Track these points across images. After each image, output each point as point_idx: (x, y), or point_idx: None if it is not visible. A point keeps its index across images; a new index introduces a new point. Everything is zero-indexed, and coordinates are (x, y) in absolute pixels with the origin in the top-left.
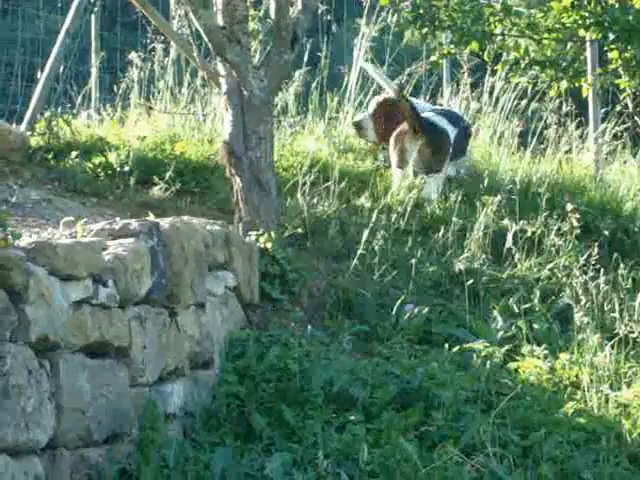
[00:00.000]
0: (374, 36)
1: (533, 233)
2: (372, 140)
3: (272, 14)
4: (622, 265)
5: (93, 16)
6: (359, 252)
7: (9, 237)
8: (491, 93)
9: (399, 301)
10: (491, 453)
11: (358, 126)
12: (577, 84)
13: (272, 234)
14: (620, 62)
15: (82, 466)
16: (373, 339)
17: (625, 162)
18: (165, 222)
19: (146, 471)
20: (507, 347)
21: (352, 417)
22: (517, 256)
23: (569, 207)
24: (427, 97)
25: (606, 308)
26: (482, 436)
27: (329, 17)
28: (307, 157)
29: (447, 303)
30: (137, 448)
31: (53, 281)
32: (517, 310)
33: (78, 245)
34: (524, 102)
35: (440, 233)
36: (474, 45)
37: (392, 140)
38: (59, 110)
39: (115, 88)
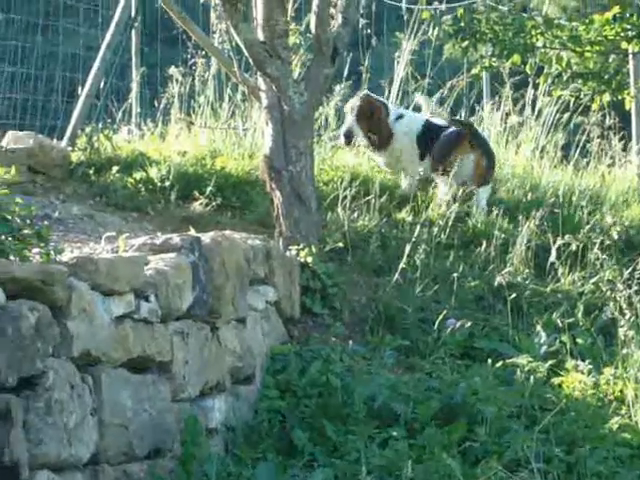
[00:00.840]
0: (414, 49)
1: (576, 247)
2: (364, 145)
3: (312, 28)
4: None
5: (133, 31)
6: (400, 266)
7: (51, 252)
8: (533, 106)
9: (441, 316)
10: (535, 469)
11: (348, 136)
12: (620, 97)
13: (313, 248)
14: None
15: None
16: (415, 354)
17: None
18: (206, 237)
19: None
20: (551, 362)
21: (394, 433)
22: (560, 270)
23: (610, 220)
24: (468, 111)
25: None
26: (526, 452)
27: (369, 31)
28: (347, 171)
29: (490, 318)
30: (179, 463)
31: (95, 296)
32: (560, 325)
33: (120, 260)
34: (566, 115)
35: (482, 247)
36: (516, 58)
37: (438, 154)
38: (100, 125)
39: (156, 103)
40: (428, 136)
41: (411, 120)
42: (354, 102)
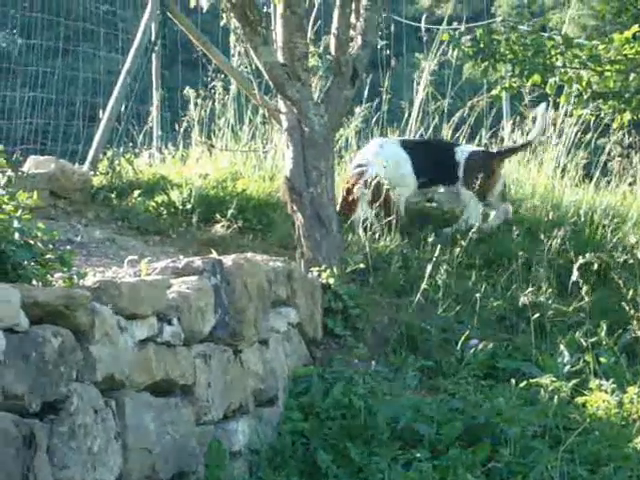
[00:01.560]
0: (434, 70)
1: (599, 266)
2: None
3: (332, 50)
4: None
5: (154, 55)
6: (422, 287)
7: (74, 277)
8: (554, 126)
9: (464, 336)
10: None
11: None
12: None
13: (334, 270)
14: None
15: None
16: (438, 375)
17: None
18: (228, 259)
19: None
20: (574, 381)
21: (418, 454)
22: (583, 289)
23: (633, 239)
24: (488, 130)
25: None
26: (550, 472)
27: (388, 52)
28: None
29: (512, 337)
30: None
31: (118, 320)
32: (584, 344)
33: (142, 284)
34: (588, 135)
35: (504, 267)
36: (536, 78)
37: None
38: (121, 149)
39: (176, 126)
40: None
41: None
42: None
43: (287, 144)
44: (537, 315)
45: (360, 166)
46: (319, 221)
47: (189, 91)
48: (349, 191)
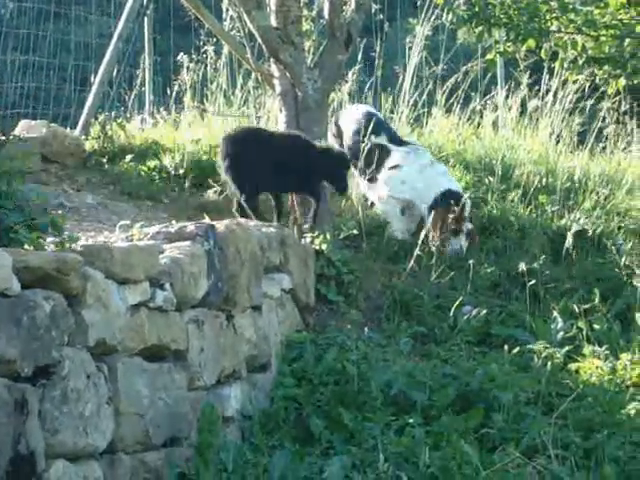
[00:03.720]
0: (428, 35)
1: (592, 232)
2: None
3: (326, 14)
4: None
5: (146, 19)
6: (415, 253)
7: (66, 241)
8: (548, 91)
9: (457, 302)
10: (552, 455)
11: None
12: (635, 81)
13: (327, 236)
14: None
15: (141, 470)
16: (431, 341)
17: None
18: (221, 225)
19: (205, 475)
20: (567, 348)
21: (411, 420)
22: (576, 256)
23: (627, 205)
24: (482, 96)
25: None
26: (543, 438)
27: (382, 17)
28: None
29: (506, 304)
30: (196, 452)
31: (110, 285)
32: (577, 310)
33: (135, 248)
34: (583, 101)
35: (498, 233)
36: (530, 43)
37: None
38: (113, 114)
39: (168, 91)
40: None
41: None
42: None
43: (280, 109)
44: (531, 282)
45: None
46: None
47: (183, 57)
48: None
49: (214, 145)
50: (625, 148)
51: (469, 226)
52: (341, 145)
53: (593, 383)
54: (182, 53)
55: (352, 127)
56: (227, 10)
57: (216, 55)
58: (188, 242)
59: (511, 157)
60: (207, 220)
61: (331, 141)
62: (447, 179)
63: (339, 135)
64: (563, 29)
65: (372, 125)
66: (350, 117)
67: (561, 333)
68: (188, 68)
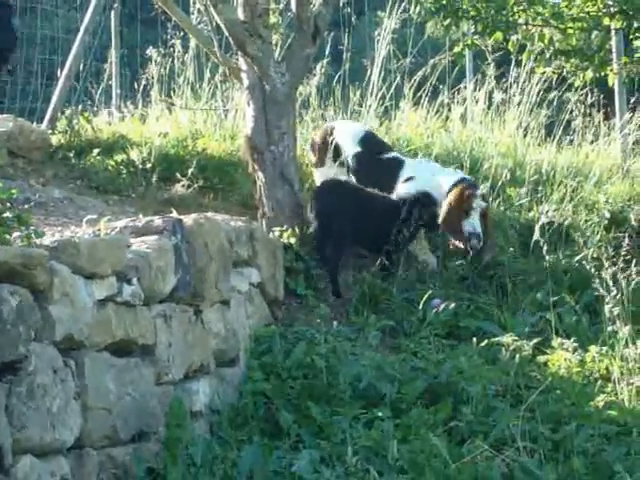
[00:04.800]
0: (396, 28)
1: (560, 224)
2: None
3: (293, 7)
4: None
5: (112, 13)
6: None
7: (32, 236)
8: (516, 83)
9: (426, 296)
10: (521, 447)
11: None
12: (603, 73)
13: (296, 230)
14: None
15: (109, 465)
16: (400, 334)
17: None
18: (189, 219)
19: (173, 470)
20: (536, 340)
21: (380, 413)
22: (545, 248)
23: (594, 198)
24: (450, 89)
25: (636, 299)
26: (512, 430)
27: (349, 10)
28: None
29: (474, 297)
30: (164, 447)
31: (77, 279)
32: (545, 303)
33: (101, 243)
34: (550, 93)
35: None
36: (498, 35)
37: None
38: (80, 108)
39: (136, 85)
40: None
41: None
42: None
43: (248, 102)
44: (499, 275)
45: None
46: (281, 180)
47: (152, 51)
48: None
49: (181, 139)
50: (593, 141)
51: (482, 204)
52: (337, 160)
53: (562, 375)
54: (151, 47)
55: (353, 144)
56: (194, 3)
57: (183, 49)
58: (155, 236)
59: (479, 150)
60: (175, 214)
61: (310, 154)
62: (460, 174)
63: (335, 151)
64: (531, 22)
65: (376, 143)
66: (350, 134)
67: (529, 326)
68: (156, 62)
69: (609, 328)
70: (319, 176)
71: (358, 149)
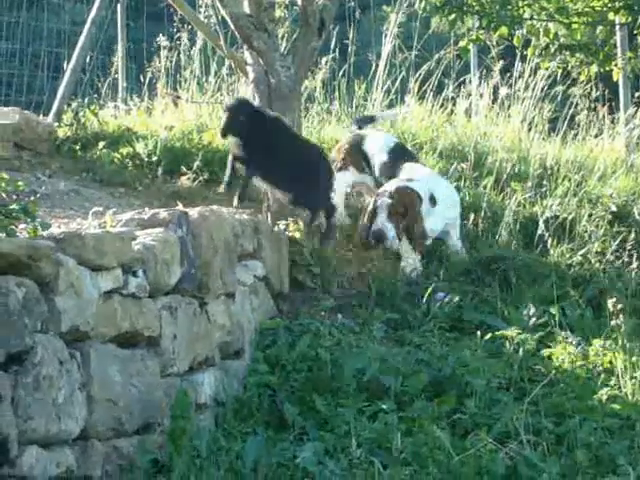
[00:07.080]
0: (401, 23)
1: (564, 219)
2: (395, 248)
3: (299, 1)
4: None
5: (119, 6)
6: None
7: (38, 228)
8: (521, 77)
9: (430, 289)
10: (525, 440)
11: (378, 237)
12: (607, 68)
13: (301, 223)
14: None
15: (114, 457)
16: (404, 327)
17: None
18: (194, 212)
19: (178, 461)
20: (540, 334)
21: (384, 406)
22: (549, 242)
23: (598, 192)
24: (454, 83)
25: None
26: (515, 423)
27: (354, 3)
28: (334, 144)
29: (479, 290)
30: (169, 438)
31: (83, 271)
32: (549, 296)
33: (107, 235)
34: (555, 88)
35: (470, 220)
36: (503, 30)
37: None
38: (86, 101)
39: (142, 78)
40: None
41: None
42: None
43: (253, 96)
44: (503, 268)
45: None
46: None
47: (161, 39)
48: None
49: (187, 132)
50: (597, 135)
51: (387, 201)
52: (366, 170)
53: (565, 369)
54: (161, 35)
55: (382, 153)
56: None
57: (189, 42)
58: (161, 229)
59: (484, 144)
60: (180, 207)
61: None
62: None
63: (365, 160)
64: (536, 16)
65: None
66: (380, 143)
67: (533, 319)
68: (166, 48)
69: (613, 322)
70: (339, 179)
71: (385, 158)
